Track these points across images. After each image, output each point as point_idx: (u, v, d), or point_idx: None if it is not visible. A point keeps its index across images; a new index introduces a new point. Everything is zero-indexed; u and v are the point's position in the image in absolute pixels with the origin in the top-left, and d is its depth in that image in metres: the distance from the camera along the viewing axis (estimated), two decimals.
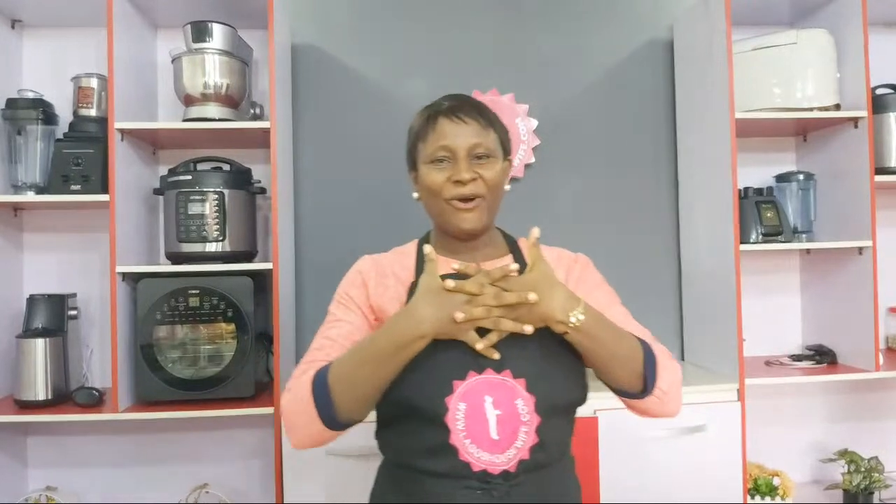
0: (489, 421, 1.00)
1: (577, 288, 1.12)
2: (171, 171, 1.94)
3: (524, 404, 1.01)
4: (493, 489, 0.99)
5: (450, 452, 1.01)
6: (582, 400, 1.10)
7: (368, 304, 1.14)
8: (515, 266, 0.99)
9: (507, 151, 1.17)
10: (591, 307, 1.02)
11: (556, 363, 1.05)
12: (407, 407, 1.04)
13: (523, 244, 1.19)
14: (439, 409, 1.01)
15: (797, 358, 2.21)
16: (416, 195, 1.19)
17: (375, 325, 1.13)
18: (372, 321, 1.13)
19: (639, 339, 1.07)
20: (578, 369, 1.08)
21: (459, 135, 1.09)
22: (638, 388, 1.05)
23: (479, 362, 1.02)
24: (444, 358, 1.02)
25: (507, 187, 1.17)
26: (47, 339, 1.87)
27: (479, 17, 2.32)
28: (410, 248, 1.22)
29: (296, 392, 1.04)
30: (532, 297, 0.96)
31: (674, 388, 1.07)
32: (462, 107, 1.12)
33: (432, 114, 1.13)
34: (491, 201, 1.12)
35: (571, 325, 0.98)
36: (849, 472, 2.06)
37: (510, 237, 1.23)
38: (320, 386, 1.01)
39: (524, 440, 1.01)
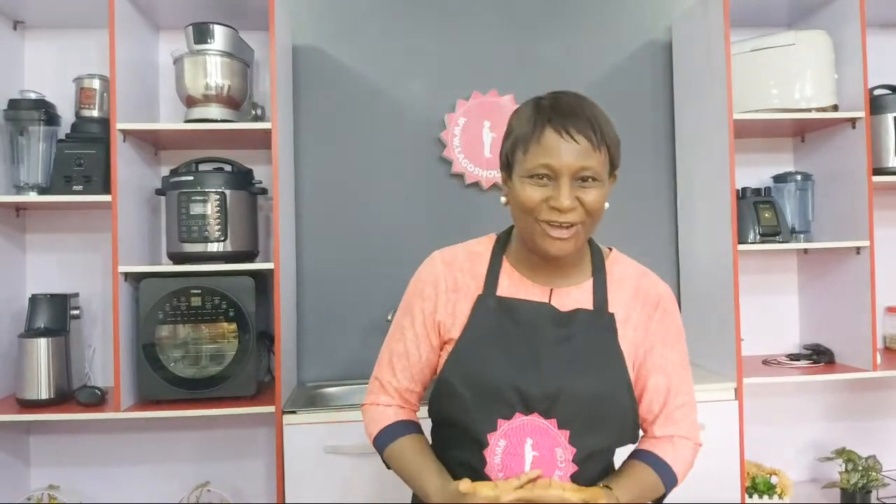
0: (525, 461, 1.00)
1: (647, 336, 1.08)
2: (173, 172, 1.96)
3: (563, 453, 1.01)
4: None
5: (483, 478, 1.03)
6: (626, 444, 1.09)
7: (433, 318, 1.10)
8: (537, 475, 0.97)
9: (614, 167, 1.06)
10: (621, 486, 1.01)
11: (607, 415, 1.03)
12: (451, 424, 1.06)
13: (611, 262, 1.13)
14: (481, 441, 1.02)
15: (795, 357, 2.22)
16: (504, 200, 1.09)
17: (436, 342, 1.11)
18: (433, 338, 1.11)
19: (666, 472, 1.07)
20: (630, 423, 1.06)
21: (566, 154, 0.97)
22: None
23: (528, 405, 1.01)
24: (496, 392, 1.01)
25: (607, 205, 1.05)
26: (50, 339, 1.88)
27: (479, 18, 2.33)
28: (485, 248, 1.13)
29: (367, 426, 1.16)
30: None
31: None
32: (575, 120, 0.99)
33: (540, 120, 1.00)
34: (588, 228, 1.03)
35: None
36: (846, 470, 2.07)
37: (598, 251, 1.14)
38: (380, 448, 1.13)
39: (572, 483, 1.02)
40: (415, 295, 1.13)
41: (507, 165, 1.06)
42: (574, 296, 1.08)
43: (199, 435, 2.17)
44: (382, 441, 1.12)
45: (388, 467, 1.14)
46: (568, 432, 1.00)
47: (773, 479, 2.04)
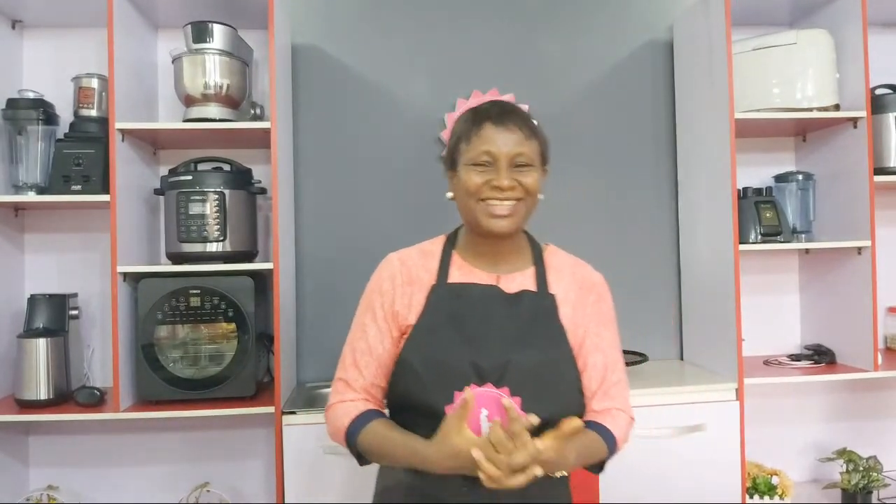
0: (483, 432, 1.05)
1: (584, 317, 1.20)
2: (172, 172, 1.95)
3: None
4: (479, 489, 1.02)
5: None
6: (574, 414, 1.14)
7: (392, 310, 1.19)
8: (534, 421, 1.03)
9: (545, 160, 1.20)
10: (572, 448, 1.08)
11: (554, 384, 1.14)
12: (410, 404, 1.14)
13: (549, 255, 1.26)
14: (439, 414, 1.08)
15: (796, 357, 2.21)
16: (449, 195, 1.22)
17: (396, 333, 1.19)
18: (394, 330, 1.19)
19: (608, 436, 1.16)
20: (575, 392, 1.17)
21: (504, 142, 1.13)
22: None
23: (481, 376, 1.10)
24: (449, 365, 1.11)
25: (541, 196, 1.19)
26: (48, 339, 1.87)
27: (479, 18, 2.32)
28: (436, 247, 1.25)
29: (333, 423, 1.19)
30: (538, 471, 1.00)
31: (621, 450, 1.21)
32: (509, 114, 1.15)
33: (479, 118, 1.16)
34: (527, 207, 1.16)
35: (567, 470, 1.12)
36: (847, 471, 2.07)
37: (536, 245, 1.27)
38: (352, 440, 1.15)
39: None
40: (374, 292, 1.22)
41: (451, 162, 1.20)
42: (518, 280, 1.20)
43: (199, 435, 2.16)
44: (355, 428, 1.15)
45: (361, 458, 1.16)
46: (520, 399, 1.06)
47: (774, 480, 2.04)
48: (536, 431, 1.05)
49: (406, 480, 1.15)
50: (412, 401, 1.13)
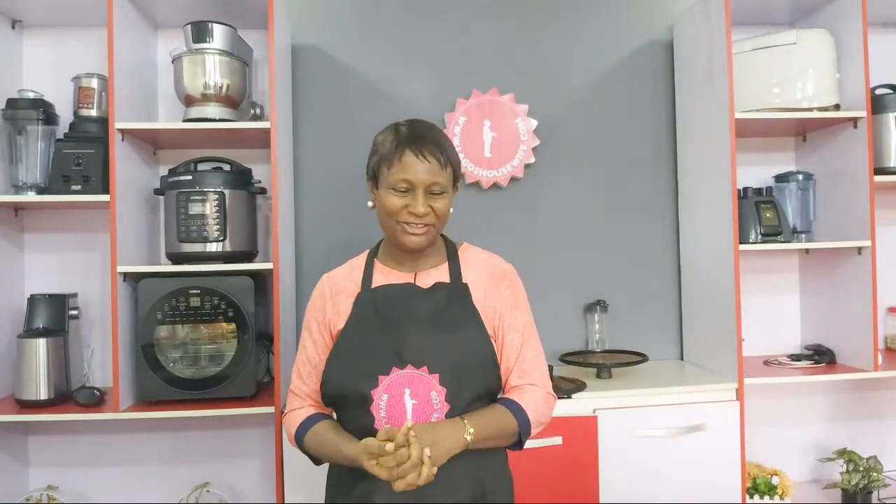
0: (407, 409, 1.20)
1: (497, 301, 1.30)
2: (172, 172, 1.95)
3: (437, 395, 1.21)
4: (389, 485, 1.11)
5: (374, 434, 1.17)
6: (493, 390, 1.28)
7: (325, 321, 1.32)
8: (408, 429, 1.12)
9: (456, 180, 1.31)
10: (471, 417, 1.19)
11: (469, 360, 1.24)
12: (339, 394, 1.25)
13: (463, 251, 1.36)
14: (366, 399, 1.21)
15: (796, 358, 2.21)
16: (370, 204, 1.33)
17: (330, 342, 1.32)
18: (327, 339, 1.32)
19: (516, 408, 1.24)
20: (490, 365, 1.26)
21: (421, 171, 1.23)
22: (514, 443, 1.28)
23: (402, 359, 1.22)
24: (373, 353, 1.23)
25: (451, 210, 1.30)
26: (48, 339, 1.87)
27: (479, 18, 2.32)
28: (361, 261, 1.38)
29: (287, 432, 1.34)
30: (426, 452, 1.10)
31: (542, 426, 1.30)
32: (427, 144, 1.24)
33: (400, 143, 1.24)
34: (438, 227, 1.29)
35: (469, 442, 1.16)
36: (847, 471, 2.06)
37: (451, 244, 1.37)
38: (300, 443, 1.30)
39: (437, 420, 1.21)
40: (309, 311, 1.36)
41: (374, 177, 1.32)
42: (434, 275, 1.31)
43: (199, 435, 2.16)
44: (300, 433, 1.29)
45: (312, 458, 1.30)
46: (438, 375, 1.20)
47: (774, 480, 2.04)
48: (454, 402, 1.20)
49: (337, 477, 1.31)
50: (343, 389, 1.24)
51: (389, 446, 1.09)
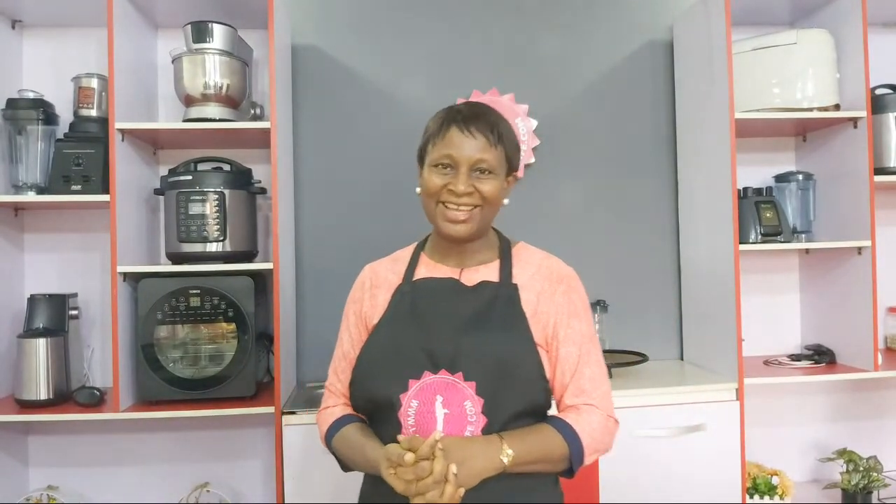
0: (437, 419, 1.08)
1: (552, 307, 1.16)
2: (172, 172, 1.95)
3: (472, 406, 1.08)
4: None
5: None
6: (539, 408, 1.14)
7: (362, 314, 1.23)
8: (438, 436, 1.01)
9: (512, 168, 1.20)
10: (512, 436, 1.06)
11: (511, 370, 1.09)
12: (368, 397, 1.15)
13: (518, 249, 1.24)
14: (394, 404, 1.10)
15: (796, 358, 2.21)
16: (418, 190, 1.21)
17: (365, 336, 1.22)
18: (363, 333, 1.22)
19: (567, 430, 1.10)
20: (535, 378, 1.12)
21: (466, 147, 1.12)
22: (564, 469, 1.14)
23: (436, 362, 1.10)
24: (404, 353, 1.12)
25: (506, 201, 1.20)
26: (48, 339, 1.87)
27: (479, 18, 2.32)
28: (407, 253, 1.28)
29: (320, 428, 1.26)
30: (452, 468, 0.99)
31: (598, 454, 1.16)
32: (476, 119, 1.14)
33: (447, 119, 1.16)
34: (484, 214, 1.16)
35: (506, 465, 1.03)
36: (847, 471, 2.06)
37: (506, 241, 1.25)
38: (329, 445, 1.22)
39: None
40: (349, 302, 1.28)
41: (421, 159, 1.21)
42: (482, 273, 1.19)
43: (199, 435, 2.16)
44: (330, 434, 1.20)
45: (340, 464, 1.21)
46: (474, 383, 1.07)
47: (774, 480, 2.04)
48: (493, 416, 1.07)
49: (367, 486, 1.20)
50: (371, 392, 1.14)
51: (409, 457, 0.98)
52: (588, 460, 1.12)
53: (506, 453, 1.03)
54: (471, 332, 1.11)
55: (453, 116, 1.16)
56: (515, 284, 1.17)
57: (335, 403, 1.25)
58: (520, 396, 1.10)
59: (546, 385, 1.14)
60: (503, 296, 1.15)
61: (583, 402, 1.14)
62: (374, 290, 1.23)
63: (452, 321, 1.12)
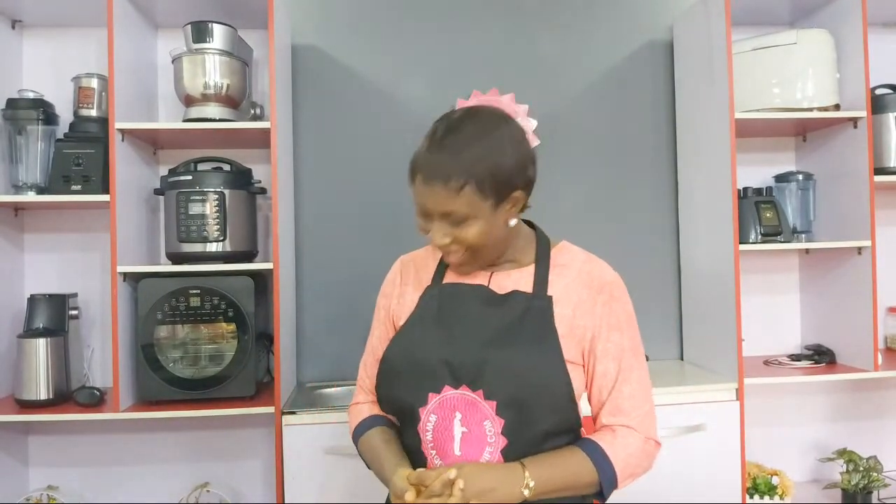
0: (455, 437, 1.02)
1: (591, 319, 1.07)
2: (172, 172, 1.95)
3: (491, 426, 1.02)
4: None
5: (420, 457, 1.07)
6: (566, 428, 1.06)
7: (391, 312, 1.18)
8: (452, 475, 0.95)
9: (504, 194, 1.04)
10: (535, 463, 0.99)
11: (536, 390, 1.02)
12: (390, 402, 1.11)
13: (558, 251, 1.14)
14: (414, 417, 1.06)
15: (796, 357, 2.21)
16: None
17: (394, 333, 1.16)
18: (391, 331, 1.18)
19: (598, 455, 1.03)
20: (564, 401, 1.04)
21: (430, 200, 1.02)
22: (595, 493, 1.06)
23: (457, 377, 1.03)
24: (425, 365, 1.06)
25: (513, 221, 1.07)
26: (48, 339, 1.87)
27: (479, 18, 2.32)
28: None
29: (350, 423, 1.21)
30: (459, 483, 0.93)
31: (634, 478, 1.08)
32: (435, 166, 1.01)
33: (415, 160, 1.05)
34: (481, 250, 1.05)
35: (528, 496, 0.98)
36: (847, 471, 2.06)
37: (545, 240, 1.15)
38: (356, 443, 1.17)
39: (487, 461, 1.02)
40: (381, 295, 1.23)
41: None
42: (514, 277, 1.11)
43: (199, 435, 2.16)
44: (357, 434, 1.17)
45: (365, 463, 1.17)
46: (495, 403, 1.01)
47: (774, 480, 2.04)
48: (513, 437, 1.00)
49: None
50: (391, 399, 1.10)
51: (409, 496, 0.94)
52: (623, 485, 1.05)
53: (527, 485, 0.97)
54: (496, 347, 1.03)
55: (417, 160, 1.05)
56: (550, 297, 1.07)
57: (365, 400, 1.20)
58: (544, 418, 1.03)
59: (573, 407, 1.05)
60: (535, 309, 1.06)
61: (620, 422, 1.06)
62: (403, 287, 1.18)
63: (478, 333, 1.05)
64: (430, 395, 1.04)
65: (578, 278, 1.10)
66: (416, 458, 1.07)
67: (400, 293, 1.18)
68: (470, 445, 1.02)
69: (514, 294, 1.08)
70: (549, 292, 1.08)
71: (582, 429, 1.11)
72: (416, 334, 1.10)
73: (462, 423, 1.02)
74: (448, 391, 1.03)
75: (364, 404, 1.20)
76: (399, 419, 1.12)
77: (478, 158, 1.01)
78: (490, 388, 1.01)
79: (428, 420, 1.04)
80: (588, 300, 1.09)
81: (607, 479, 1.03)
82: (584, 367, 1.08)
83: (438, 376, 1.04)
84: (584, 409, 1.11)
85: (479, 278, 1.12)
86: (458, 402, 1.03)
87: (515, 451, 1.02)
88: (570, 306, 1.08)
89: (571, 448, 1.04)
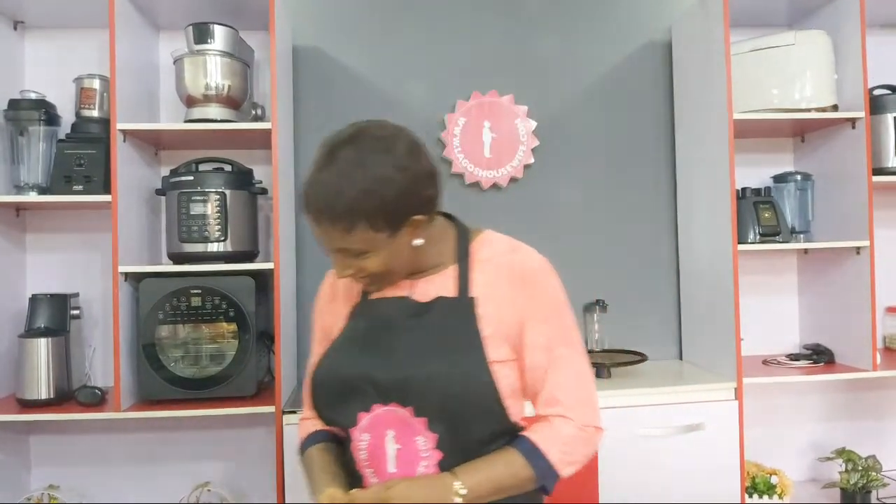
0: (388, 455, 1.02)
1: (518, 313, 1.05)
2: (173, 172, 1.96)
3: (425, 441, 1.01)
4: None
5: (357, 476, 1.07)
6: (502, 431, 1.05)
7: (325, 328, 1.18)
8: None
9: (402, 220, 0.99)
10: (466, 470, 0.99)
11: (466, 401, 1.00)
12: (328, 424, 1.11)
13: (479, 244, 1.10)
14: (348, 437, 1.06)
15: (795, 357, 2.22)
16: None
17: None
18: (325, 342, 1.15)
19: (531, 451, 1.02)
20: (492, 402, 1.02)
21: (324, 238, 0.99)
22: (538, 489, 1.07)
23: (384, 394, 1.02)
24: (353, 385, 1.04)
25: (418, 242, 1.02)
26: (50, 339, 1.88)
27: (478, 19, 2.33)
28: None
29: (299, 436, 1.21)
30: None
31: (576, 466, 1.07)
32: (321, 208, 0.96)
33: (303, 195, 1.00)
34: (389, 275, 1.04)
35: (462, 502, 0.97)
36: (846, 470, 2.07)
37: (464, 233, 1.11)
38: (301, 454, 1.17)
39: (423, 474, 1.02)
40: (315, 313, 1.22)
41: None
42: (436, 283, 1.07)
43: (200, 435, 2.17)
44: (302, 450, 1.16)
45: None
46: (426, 419, 1.00)
47: (773, 479, 2.05)
48: (449, 450, 1.00)
49: None
50: (326, 420, 1.10)
51: None
52: (566, 474, 1.05)
53: (457, 492, 0.96)
54: (419, 361, 1.01)
55: (304, 194, 0.99)
56: (472, 299, 1.04)
57: (311, 416, 1.17)
58: (476, 426, 1.02)
59: (503, 411, 1.03)
60: (458, 314, 1.04)
61: (556, 412, 1.05)
62: (333, 303, 1.17)
63: (402, 349, 1.03)
64: (361, 414, 1.03)
65: (500, 272, 1.06)
66: (353, 476, 1.07)
67: (331, 310, 1.16)
68: (405, 462, 1.02)
69: (438, 301, 1.05)
70: (473, 292, 1.05)
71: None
72: (342, 354, 1.08)
73: (395, 441, 1.02)
74: (378, 409, 1.02)
75: (310, 420, 1.19)
76: (341, 436, 1.12)
77: (363, 194, 0.95)
78: (418, 404, 1.00)
79: (361, 439, 1.04)
80: (512, 294, 1.05)
81: (542, 471, 1.02)
82: (516, 360, 1.06)
83: (366, 395, 1.03)
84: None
85: (403, 289, 1.08)
86: (389, 419, 1.02)
87: (452, 463, 1.01)
88: (493, 304, 1.05)
89: (505, 450, 1.03)
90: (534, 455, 1.02)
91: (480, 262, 1.08)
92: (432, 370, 1.00)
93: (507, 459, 1.02)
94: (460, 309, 1.04)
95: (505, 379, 1.03)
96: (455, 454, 1.01)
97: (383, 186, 0.96)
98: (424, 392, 1.00)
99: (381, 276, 1.04)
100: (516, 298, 1.05)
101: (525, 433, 1.06)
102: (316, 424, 1.17)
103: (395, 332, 1.05)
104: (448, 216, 1.14)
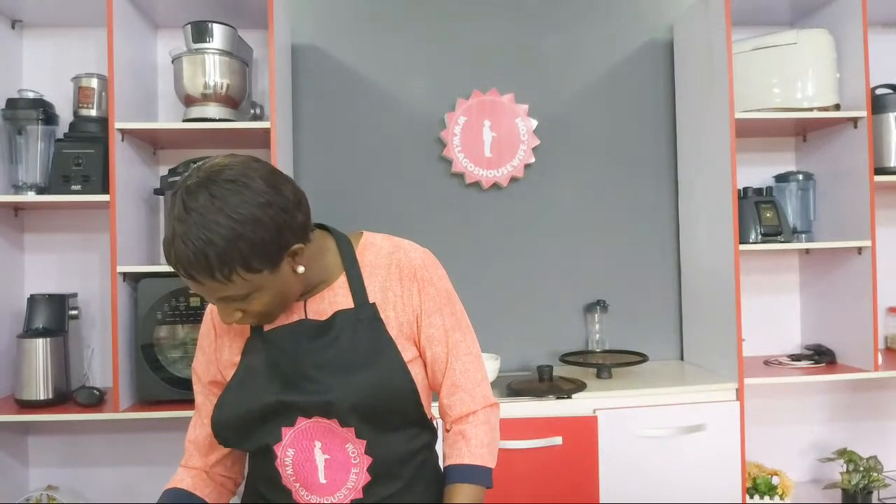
0: (318, 466, 1.01)
1: (412, 310, 1.05)
2: (172, 171, 1.95)
3: (354, 448, 1.01)
4: None
5: (283, 491, 1.04)
6: (419, 428, 1.08)
7: (210, 372, 1.10)
8: None
9: (275, 260, 0.92)
10: None
11: (388, 405, 1.01)
12: (246, 445, 1.04)
13: (362, 250, 1.08)
14: (270, 454, 1.02)
15: (796, 358, 2.21)
16: None
17: (220, 390, 1.08)
18: (217, 390, 1.09)
19: (476, 475, 1.04)
20: (411, 401, 1.03)
21: (202, 291, 0.92)
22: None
23: (307, 409, 0.99)
24: (269, 410, 1.00)
25: (301, 269, 0.97)
26: (48, 339, 1.87)
27: (479, 18, 2.32)
28: None
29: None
30: None
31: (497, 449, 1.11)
32: (191, 266, 0.88)
33: (167, 254, 0.90)
34: (275, 309, 0.98)
35: None
36: (847, 471, 2.06)
37: (346, 244, 1.08)
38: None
39: (355, 481, 1.02)
40: (198, 351, 1.12)
41: None
42: (328, 298, 1.04)
43: None
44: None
45: None
46: (353, 429, 1.00)
47: (775, 480, 2.04)
48: (379, 455, 1.01)
49: None
50: (247, 443, 1.03)
51: None
52: (494, 462, 1.09)
53: None
54: (340, 381, 0.98)
55: (168, 257, 0.90)
56: (373, 304, 1.03)
57: (186, 464, 1.12)
58: (403, 426, 1.05)
59: (421, 409, 1.06)
60: (364, 322, 1.02)
61: (458, 399, 1.07)
62: (219, 339, 1.08)
63: (315, 374, 0.99)
64: (284, 429, 1.00)
65: (390, 273, 1.06)
66: (277, 492, 1.04)
67: (217, 347, 1.08)
68: (335, 470, 1.01)
69: (337, 316, 1.02)
70: (370, 298, 1.04)
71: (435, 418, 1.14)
72: (250, 389, 1.01)
73: (323, 451, 1.00)
74: (302, 422, 1.00)
75: (186, 469, 1.11)
76: (253, 460, 1.09)
77: (232, 242, 0.87)
78: (343, 416, 0.98)
79: (286, 455, 1.01)
80: (404, 293, 1.05)
81: (486, 478, 1.05)
82: (422, 356, 1.08)
83: (290, 408, 0.99)
84: None
85: (296, 312, 1.04)
86: (315, 430, 1.00)
87: (382, 465, 1.02)
88: (391, 306, 1.05)
89: (451, 488, 1.04)
90: (479, 475, 1.05)
91: (367, 266, 1.06)
92: (354, 386, 0.98)
93: (463, 497, 1.03)
94: (364, 318, 1.02)
95: (418, 376, 1.06)
96: (385, 457, 1.03)
97: (251, 228, 0.88)
98: (347, 405, 0.98)
99: (271, 312, 0.98)
100: (409, 297, 1.06)
101: (451, 462, 1.06)
102: (184, 479, 1.10)
103: (302, 359, 1.00)
104: (321, 226, 1.10)
